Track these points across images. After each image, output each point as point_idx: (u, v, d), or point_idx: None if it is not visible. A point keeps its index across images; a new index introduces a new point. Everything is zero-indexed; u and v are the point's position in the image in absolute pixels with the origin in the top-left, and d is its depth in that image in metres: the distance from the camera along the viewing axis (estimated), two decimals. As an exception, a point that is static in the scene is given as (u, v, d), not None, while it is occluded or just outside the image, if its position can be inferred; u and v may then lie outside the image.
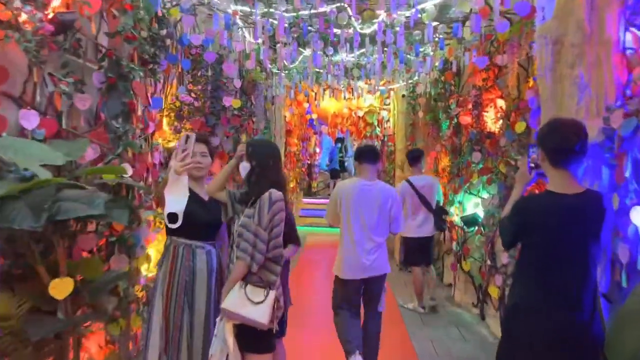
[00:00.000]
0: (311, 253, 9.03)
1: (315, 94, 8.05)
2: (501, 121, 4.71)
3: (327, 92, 8.35)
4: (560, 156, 2.08)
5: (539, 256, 2.10)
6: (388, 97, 9.43)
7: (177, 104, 4.38)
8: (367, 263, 3.46)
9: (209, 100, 5.28)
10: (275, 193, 2.44)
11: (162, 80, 4.08)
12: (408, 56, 6.11)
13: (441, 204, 5.56)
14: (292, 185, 10.66)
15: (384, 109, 9.23)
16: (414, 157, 5.62)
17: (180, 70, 4.58)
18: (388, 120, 9.31)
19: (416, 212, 5.38)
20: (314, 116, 10.08)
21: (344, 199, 3.50)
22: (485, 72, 4.98)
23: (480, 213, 5.19)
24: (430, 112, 7.91)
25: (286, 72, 7.39)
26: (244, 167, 2.60)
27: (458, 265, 5.71)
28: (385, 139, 9.51)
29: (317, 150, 14.34)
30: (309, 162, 13.46)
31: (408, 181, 5.42)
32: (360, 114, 9.25)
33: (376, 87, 7.62)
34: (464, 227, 5.53)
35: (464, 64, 5.72)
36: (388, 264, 3.63)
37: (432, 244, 5.63)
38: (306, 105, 9.87)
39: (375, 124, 9.30)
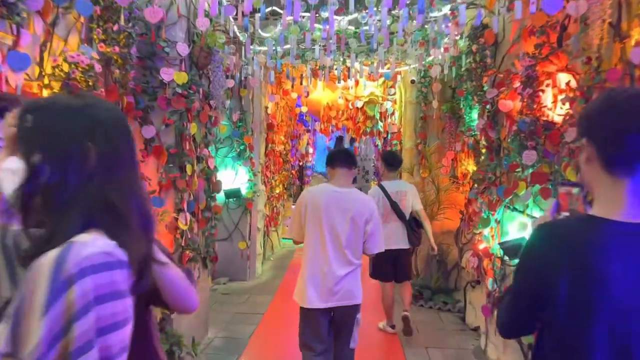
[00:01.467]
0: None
1: (302, 77, 6.39)
2: (566, 105, 3.08)
3: (318, 76, 6.69)
4: (622, 154, 1.14)
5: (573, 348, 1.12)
6: (393, 86, 7.78)
7: (66, 67, 2.72)
8: (336, 288, 2.90)
9: (136, 72, 3.63)
10: (89, 250, 0.82)
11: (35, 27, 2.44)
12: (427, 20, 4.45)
13: (420, 216, 4.93)
14: (278, 190, 9.00)
15: (388, 99, 7.62)
16: (394, 161, 4.98)
17: (82, 20, 2.93)
18: (393, 114, 7.68)
19: (386, 220, 4.68)
20: (304, 109, 8.46)
21: (310, 208, 2.92)
22: (541, 35, 3.36)
23: (533, 240, 3.54)
24: (447, 101, 6.26)
25: (259, 45, 5.72)
26: (10, 172, 0.95)
27: (495, 311, 4.04)
28: (389, 136, 7.85)
29: (310, 150, 12.69)
30: (300, 163, 11.79)
31: (380, 186, 4.79)
32: (360, 104, 7.64)
33: (379, 70, 5.96)
34: (505, 257, 3.88)
35: (504, 29, 4.07)
36: (360, 292, 3.02)
37: (408, 258, 4.99)
38: (294, 95, 8.22)
39: (377, 117, 7.68)
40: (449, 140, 6.26)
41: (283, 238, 9.69)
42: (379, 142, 7.99)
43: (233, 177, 6.74)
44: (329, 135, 9.41)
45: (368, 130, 7.85)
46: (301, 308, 3.03)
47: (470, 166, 6.02)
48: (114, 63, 3.34)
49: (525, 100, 3.50)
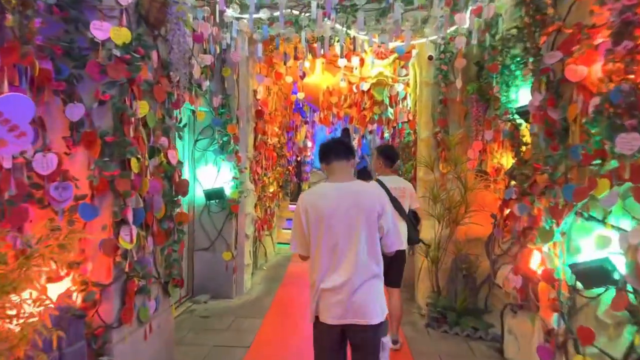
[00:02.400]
0: (294, 288, 6.25)
1: (296, 50, 5.25)
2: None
3: (316, 54, 5.56)
4: None
5: None
6: (405, 67, 6.64)
7: None
8: (351, 302, 2.35)
9: (55, 27, 2.54)
10: None
11: None
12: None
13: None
14: (272, 189, 7.88)
15: (399, 81, 6.47)
16: (394, 155, 4.49)
17: None
18: (405, 98, 6.55)
19: None
20: (300, 96, 7.33)
21: (312, 214, 2.40)
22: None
23: (618, 261, 2.47)
24: (473, 81, 5.14)
25: (240, 9, 4.61)
26: None
27: (563, 357, 2.92)
28: (400, 125, 6.72)
29: (309, 144, 11.56)
30: (297, 158, 10.66)
31: (378, 180, 4.26)
32: (366, 87, 6.46)
33: (390, 43, 4.81)
34: (578, 285, 2.77)
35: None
36: (382, 308, 2.42)
37: (403, 261, 4.29)
38: (289, 80, 7.08)
39: (387, 102, 6.54)
40: (476, 128, 5.14)
41: (278, 243, 8.57)
42: (388, 133, 6.86)
43: (215, 174, 5.62)
44: (329, 125, 8.26)
45: (376, 117, 6.69)
46: (314, 323, 2.50)
47: (504, 159, 4.90)
48: (8, 4, 2.24)
49: (619, 60, 2.37)
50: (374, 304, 2.40)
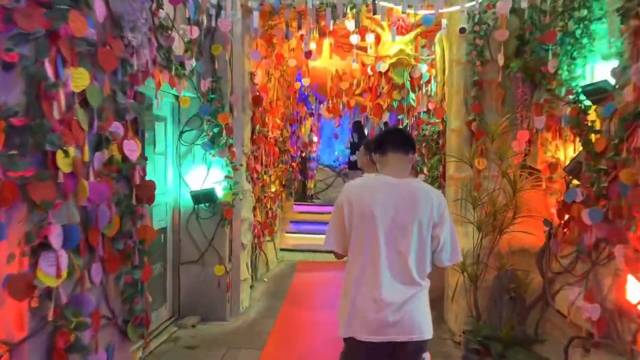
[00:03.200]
0: (301, 308, 5.32)
1: (301, 18, 4.31)
2: None
3: (324, 33, 4.63)
4: None
5: None
6: (427, 46, 5.69)
7: None
8: (394, 319, 2.08)
9: None
10: None
11: None
12: None
13: None
14: (274, 189, 6.96)
15: (422, 61, 5.49)
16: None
17: None
18: (429, 81, 5.59)
19: None
20: (305, 82, 6.38)
21: (356, 209, 2.13)
22: None
23: None
24: (519, 57, 4.19)
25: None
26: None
27: None
28: (423, 114, 5.76)
29: (315, 138, 10.61)
30: (302, 154, 9.74)
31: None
32: (384, 67, 5.47)
33: (415, 12, 3.86)
34: None
35: None
36: (429, 324, 2.18)
37: None
38: (292, 63, 6.14)
39: (408, 86, 5.55)
40: (521, 114, 4.19)
41: (282, 249, 7.64)
42: (408, 121, 5.88)
43: (204, 173, 4.70)
44: (338, 114, 7.28)
45: (395, 104, 5.71)
46: (344, 341, 2.21)
47: (561, 152, 3.96)
48: None
49: None
50: (425, 318, 2.17)
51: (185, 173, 4.73)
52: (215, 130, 4.59)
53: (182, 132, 4.71)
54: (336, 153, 11.97)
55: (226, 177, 4.64)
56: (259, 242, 6.26)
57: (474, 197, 4.01)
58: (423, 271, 2.14)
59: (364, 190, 2.17)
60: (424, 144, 5.53)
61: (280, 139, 7.10)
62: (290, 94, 7.50)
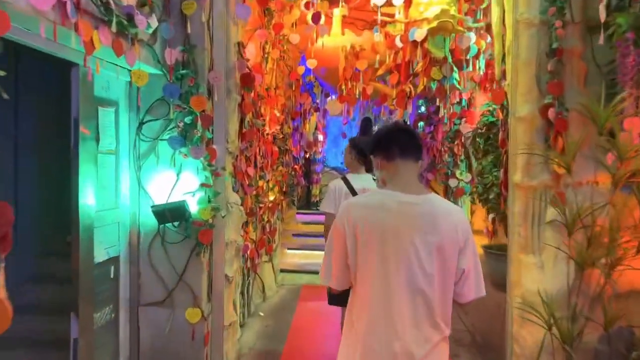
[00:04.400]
0: (311, 348, 3.96)
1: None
2: None
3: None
4: None
5: None
6: (469, 12, 4.34)
7: None
8: None
9: None
10: None
11: None
12: None
13: None
14: (272, 197, 5.64)
15: (468, 28, 4.11)
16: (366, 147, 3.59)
17: None
18: (478, 55, 4.19)
19: None
20: (311, 64, 5.04)
21: (361, 235, 1.74)
22: None
23: None
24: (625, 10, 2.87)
25: None
26: None
27: None
28: (464, 102, 4.41)
29: (321, 137, 9.29)
30: (306, 155, 8.42)
31: (344, 178, 3.68)
32: (420, 36, 4.05)
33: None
34: None
35: None
36: None
37: None
38: (295, 39, 4.82)
39: (450, 61, 4.16)
40: (635, 94, 2.85)
41: (283, 270, 6.30)
42: (445, 111, 4.49)
43: (172, 179, 3.37)
44: (354, 102, 5.87)
45: (434, 86, 4.34)
46: None
47: None
48: None
49: None
50: None
51: (147, 180, 3.40)
52: (188, 120, 3.27)
53: (141, 123, 3.38)
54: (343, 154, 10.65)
55: (203, 185, 3.31)
56: (253, 265, 4.94)
57: (571, 216, 2.66)
58: (447, 313, 1.78)
59: (371, 211, 1.77)
60: (477, 140, 4.16)
61: (280, 136, 5.77)
62: (292, 82, 6.16)
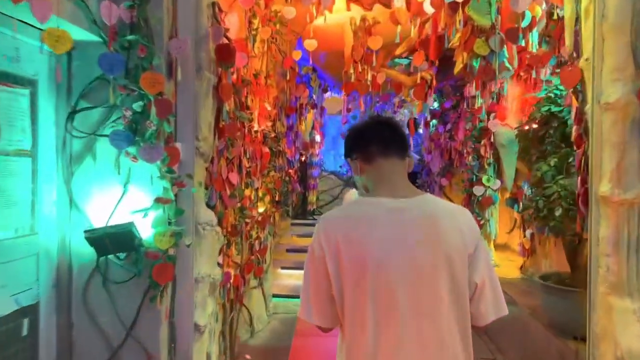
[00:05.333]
0: None
1: None
2: None
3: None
4: None
5: None
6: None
7: None
8: None
9: None
10: None
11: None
12: None
13: None
14: (262, 208, 4.65)
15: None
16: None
17: None
18: (531, 27, 3.20)
19: None
20: (309, 45, 4.07)
21: (345, 255, 1.45)
22: None
23: None
24: None
25: None
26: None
27: None
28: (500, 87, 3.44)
29: (318, 138, 8.31)
30: (302, 158, 7.44)
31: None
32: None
33: None
34: None
35: None
36: None
37: None
38: (290, 12, 3.85)
39: (498, 31, 3.17)
40: None
41: (275, 295, 5.28)
42: (483, 100, 3.51)
43: (117, 193, 2.37)
44: (365, 91, 4.80)
45: (476, 65, 3.36)
46: None
47: None
48: None
49: None
50: None
51: (81, 193, 2.40)
52: (137, 106, 2.27)
53: (73, 112, 2.38)
54: (343, 157, 9.68)
55: (158, 200, 2.30)
56: (238, 295, 3.94)
57: None
58: (468, 337, 1.47)
59: (353, 226, 1.48)
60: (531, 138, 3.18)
61: (272, 135, 4.78)
62: (286, 71, 5.17)
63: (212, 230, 2.69)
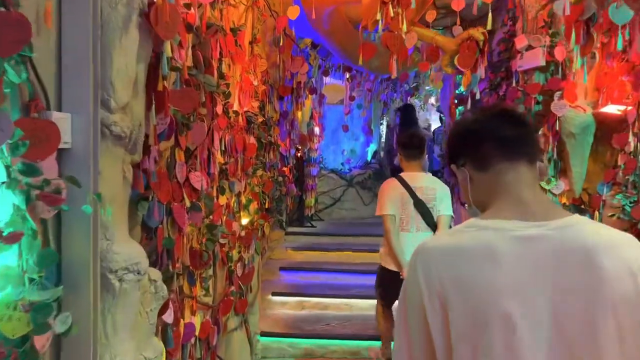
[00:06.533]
0: None
1: None
2: None
3: None
4: None
5: None
6: None
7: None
8: None
9: None
10: None
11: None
12: None
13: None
14: (245, 219, 3.41)
15: None
16: (414, 140, 3.45)
17: None
18: None
19: (405, 227, 3.26)
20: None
21: (458, 305, 1.01)
22: None
23: None
24: None
25: None
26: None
27: None
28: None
29: (317, 130, 7.10)
30: (297, 153, 6.22)
31: (399, 177, 3.34)
32: None
33: None
34: None
35: None
36: None
37: None
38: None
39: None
40: None
41: (263, 334, 4.00)
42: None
43: None
44: (405, 53, 3.41)
45: (534, 44, 1.80)
46: None
47: None
48: None
49: None
50: None
51: None
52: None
53: None
54: (345, 152, 8.44)
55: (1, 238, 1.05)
56: (208, 349, 2.70)
57: None
58: None
59: (465, 261, 1.05)
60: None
61: (260, 120, 3.54)
62: (278, 37, 3.91)
63: (137, 281, 1.42)
